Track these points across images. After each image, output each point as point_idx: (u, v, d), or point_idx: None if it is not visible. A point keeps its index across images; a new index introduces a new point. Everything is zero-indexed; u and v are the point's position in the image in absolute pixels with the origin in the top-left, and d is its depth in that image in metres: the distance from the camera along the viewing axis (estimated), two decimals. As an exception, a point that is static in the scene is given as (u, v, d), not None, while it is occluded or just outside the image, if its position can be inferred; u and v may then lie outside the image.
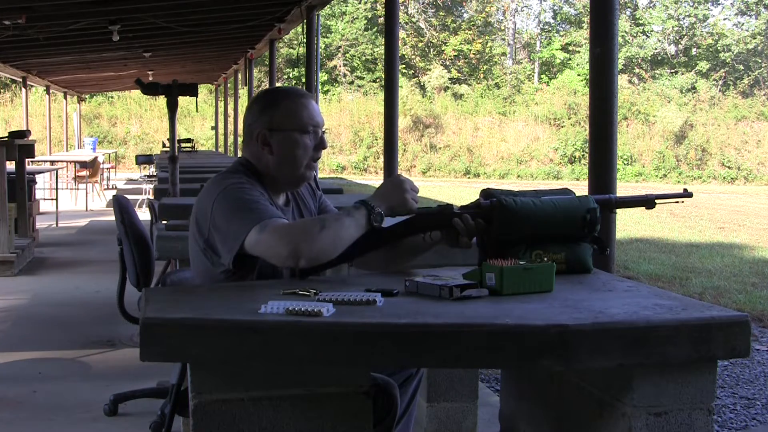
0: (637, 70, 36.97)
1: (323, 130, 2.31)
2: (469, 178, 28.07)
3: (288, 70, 32.32)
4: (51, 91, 17.26)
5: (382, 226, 2.11)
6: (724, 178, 29.43)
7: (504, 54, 38.89)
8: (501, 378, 2.54)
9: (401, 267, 2.31)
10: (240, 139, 17.34)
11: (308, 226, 2.05)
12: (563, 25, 40.84)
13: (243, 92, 16.29)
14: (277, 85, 17.83)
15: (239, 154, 17.92)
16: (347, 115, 30.15)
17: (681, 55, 37.65)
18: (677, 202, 2.32)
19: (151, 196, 9.48)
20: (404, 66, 33.05)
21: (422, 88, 33.67)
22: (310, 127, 2.27)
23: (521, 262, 1.98)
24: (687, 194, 2.31)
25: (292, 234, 2.01)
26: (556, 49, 38.20)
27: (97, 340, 4.84)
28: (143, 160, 14.89)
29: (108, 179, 17.02)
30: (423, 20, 36.49)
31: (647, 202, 2.30)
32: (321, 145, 2.30)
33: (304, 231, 2.02)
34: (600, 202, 2.21)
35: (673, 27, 37.50)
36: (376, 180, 22.12)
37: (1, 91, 28.60)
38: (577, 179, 27.32)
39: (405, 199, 2.14)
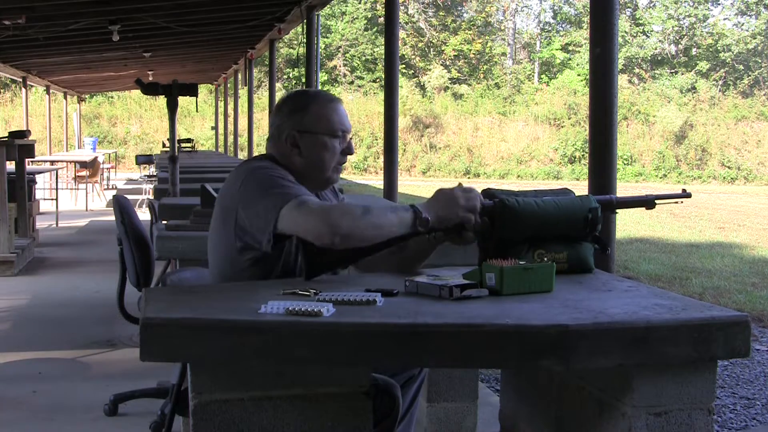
0: (637, 70, 36.97)
1: (350, 135, 2.33)
2: (469, 178, 28.05)
3: (288, 70, 32.31)
4: (51, 91, 17.25)
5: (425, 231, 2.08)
6: (724, 178, 29.43)
7: (504, 54, 38.89)
8: (501, 378, 2.54)
9: (408, 272, 2.29)
10: (240, 139, 17.37)
11: (351, 207, 2.05)
12: (563, 25, 40.85)
13: (243, 92, 16.27)
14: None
15: (239, 155, 17.74)
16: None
17: (681, 55, 37.64)
18: (677, 202, 2.33)
19: (151, 196, 9.47)
20: (404, 66, 33.04)
21: (422, 88, 33.67)
22: (340, 132, 2.30)
23: (521, 262, 1.98)
24: (686, 195, 2.33)
25: (334, 210, 2.03)
26: (556, 49, 38.20)
27: (97, 340, 4.84)
28: (143, 160, 14.89)
29: (108, 179, 17.02)
30: (423, 20, 36.47)
31: (647, 202, 2.32)
32: (348, 150, 2.33)
33: (347, 211, 2.03)
34: (601, 202, 2.21)
35: (673, 27, 37.49)
36: (376, 180, 22.10)
37: (1, 91, 28.60)
38: (577, 179, 27.32)
39: (456, 214, 2.07)
